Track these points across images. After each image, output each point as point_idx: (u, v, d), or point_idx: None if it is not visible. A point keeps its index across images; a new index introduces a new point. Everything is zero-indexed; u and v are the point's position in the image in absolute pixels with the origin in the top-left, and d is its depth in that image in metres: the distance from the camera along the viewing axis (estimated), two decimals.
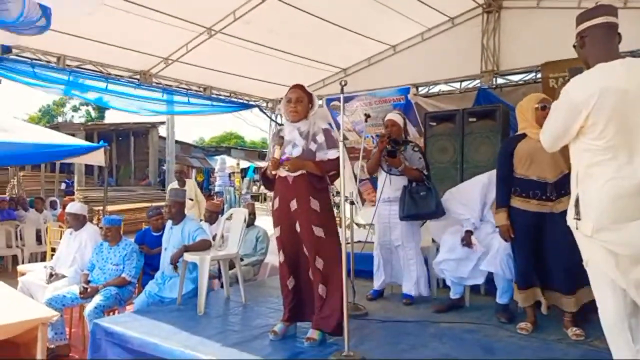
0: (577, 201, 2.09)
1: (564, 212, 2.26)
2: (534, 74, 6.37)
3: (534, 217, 3.10)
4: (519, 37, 6.39)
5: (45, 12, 3.60)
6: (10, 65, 5.78)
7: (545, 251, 3.11)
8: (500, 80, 6.73)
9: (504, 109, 5.62)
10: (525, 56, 6.28)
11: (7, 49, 5.48)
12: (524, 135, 3.18)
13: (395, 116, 4.14)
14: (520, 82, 6.58)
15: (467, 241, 3.60)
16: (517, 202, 3.16)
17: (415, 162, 3.96)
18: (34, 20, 3.63)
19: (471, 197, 3.80)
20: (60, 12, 3.60)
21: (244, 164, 23.14)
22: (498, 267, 3.40)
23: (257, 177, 24.13)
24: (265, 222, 7.35)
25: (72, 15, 4.05)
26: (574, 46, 2.25)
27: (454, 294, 3.77)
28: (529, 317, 3.24)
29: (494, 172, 3.68)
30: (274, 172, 3.06)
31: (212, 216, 5.64)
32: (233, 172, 19.89)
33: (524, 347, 2.93)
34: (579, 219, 2.07)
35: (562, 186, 2.94)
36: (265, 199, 19.43)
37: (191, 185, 7.64)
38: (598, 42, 2.13)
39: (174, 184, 7.36)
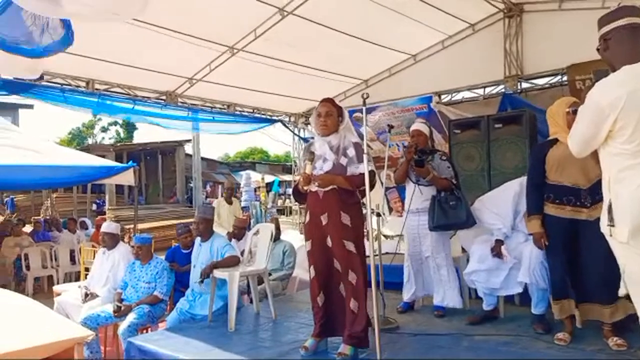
0: (609, 207, 2.03)
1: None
2: (559, 76, 6.26)
3: (568, 224, 3.02)
4: (542, 40, 6.30)
5: (67, 25, 3.72)
6: (41, 90, 6.02)
7: (582, 260, 3.00)
8: (525, 85, 6.64)
9: (530, 113, 5.53)
10: (549, 59, 6.19)
11: (39, 76, 5.69)
12: (555, 141, 3.10)
13: (421, 126, 4.09)
14: (546, 86, 6.48)
15: (497, 251, 3.52)
16: (550, 209, 3.09)
17: (444, 171, 3.90)
18: (57, 41, 3.76)
19: (502, 205, 3.70)
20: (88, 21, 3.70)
21: (269, 178, 23.33)
22: (532, 277, 3.31)
23: (282, 190, 24.30)
24: (291, 236, 7.39)
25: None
26: (598, 49, 2.21)
27: (487, 305, 3.68)
28: (567, 327, 3.13)
29: (519, 182, 3.66)
30: (305, 188, 3.08)
31: (240, 232, 5.68)
32: (258, 187, 20.05)
33: (563, 358, 2.83)
34: (613, 226, 2.01)
35: (597, 192, 2.84)
36: (290, 213, 19.50)
37: (237, 205, 7.51)
38: (622, 44, 2.08)
39: (220, 200, 7.22)
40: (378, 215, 3.40)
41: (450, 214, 3.73)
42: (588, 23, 3.05)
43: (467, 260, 3.92)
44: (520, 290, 3.49)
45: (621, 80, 2.00)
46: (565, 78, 6.08)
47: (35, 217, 13.28)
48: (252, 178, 20.04)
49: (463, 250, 4.20)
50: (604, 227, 2.08)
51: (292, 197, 22.65)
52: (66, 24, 3.67)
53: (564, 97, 3.27)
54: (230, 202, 7.08)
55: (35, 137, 8.40)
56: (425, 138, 4.01)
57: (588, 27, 2.81)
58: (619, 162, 2.00)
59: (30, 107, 20.36)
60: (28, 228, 9.96)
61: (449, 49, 7.06)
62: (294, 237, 7.27)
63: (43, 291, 7.89)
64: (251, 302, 4.47)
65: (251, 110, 8.45)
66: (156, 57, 6.25)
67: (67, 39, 3.76)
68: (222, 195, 7.42)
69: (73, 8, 3.09)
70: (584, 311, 3.07)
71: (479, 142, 5.72)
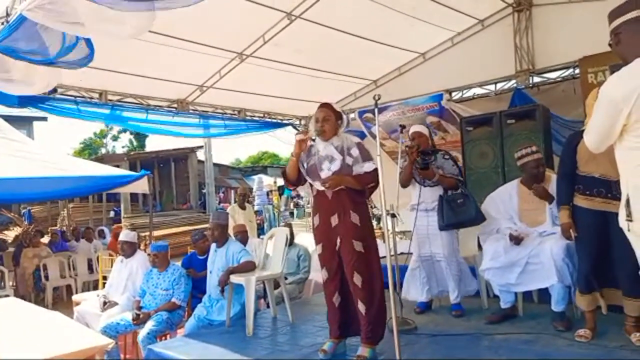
0: (627, 202, 2.00)
1: None
2: (571, 69, 6.18)
3: (599, 216, 2.96)
4: (553, 33, 6.23)
5: (88, 42, 3.79)
6: (55, 103, 6.11)
7: (613, 253, 2.92)
8: (536, 79, 6.56)
9: (544, 107, 5.47)
10: (561, 52, 6.11)
11: (53, 89, 5.77)
12: None
13: (419, 127, 4.12)
14: (558, 79, 6.40)
15: (514, 239, 3.48)
16: (580, 201, 3.05)
17: (449, 169, 3.91)
18: (77, 56, 3.82)
19: (498, 209, 3.73)
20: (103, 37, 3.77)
21: (281, 181, 23.33)
22: (554, 277, 3.25)
23: (294, 194, 24.31)
24: (305, 239, 7.39)
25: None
26: (610, 44, 2.18)
27: (504, 303, 3.64)
28: (588, 323, 3.09)
29: (509, 185, 3.79)
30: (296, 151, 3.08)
31: (243, 238, 5.56)
32: (271, 190, 20.09)
33: (585, 356, 2.80)
34: (631, 220, 1.99)
35: None
36: (303, 215, 19.47)
37: (251, 210, 7.68)
38: (633, 37, 2.05)
39: (235, 206, 7.39)
40: (393, 215, 3.39)
41: (459, 211, 3.73)
42: (599, 15, 3.00)
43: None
44: (541, 286, 3.44)
45: (634, 72, 1.97)
46: (577, 71, 6.00)
47: (53, 228, 13.49)
48: (264, 182, 20.09)
49: (480, 248, 4.16)
50: (622, 221, 2.06)
51: (297, 199, 22.72)
52: (88, 45, 3.74)
53: (596, 88, 3.21)
54: (243, 208, 7.17)
55: (50, 149, 8.53)
56: (425, 139, 4.02)
57: (599, 19, 2.77)
58: (636, 157, 1.97)
59: (44, 119, 20.69)
60: (46, 239, 10.11)
61: (459, 45, 7.01)
62: (309, 239, 7.27)
63: (62, 300, 8.01)
64: (267, 306, 4.49)
65: (262, 115, 8.48)
66: (167, 66, 6.30)
67: (90, 57, 3.84)
68: (235, 201, 7.48)
69: (93, 27, 3.16)
70: (608, 296, 3.02)
71: (492, 138, 5.66)
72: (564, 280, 3.27)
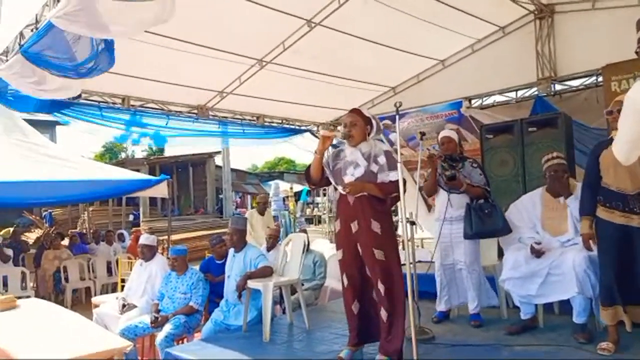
0: None
1: None
2: (594, 77, 6.09)
3: (619, 230, 2.92)
4: (575, 41, 6.15)
5: (111, 50, 3.87)
6: (79, 108, 6.24)
7: (635, 267, 2.88)
8: (558, 87, 6.48)
9: (566, 115, 5.39)
10: (583, 60, 6.04)
11: (78, 94, 5.90)
12: (612, 140, 3.01)
13: (449, 132, 4.07)
14: (581, 87, 6.31)
15: (535, 251, 3.42)
16: (601, 212, 3.01)
17: (476, 178, 3.85)
18: (99, 65, 3.91)
19: (521, 217, 3.68)
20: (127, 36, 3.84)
21: (297, 187, 23.39)
22: (575, 288, 3.19)
23: (310, 199, 24.31)
24: (321, 244, 7.38)
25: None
26: (636, 52, 2.15)
27: (524, 314, 3.57)
28: (611, 336, 3.01)
29: (532, 193, 3.74)
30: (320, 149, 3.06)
31: (274, 242, 5.65)
32: (287, 196, 20.13)
33: None
34: None
35: None
36: (319, 222, 19.47)
37: (270, 216, 7.59)
38: None
39: (253, 212, 7.35)
40: (412, 223, 3.37)
41: (487, 221, 3.67)
42: (623, 22, 2.96)
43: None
44: (562, 298, 3.37)
45: None
46: (600, 79, 5.91)
47: (73, 230, 13.71)
48: (281, 188, 20.14)
49: (500, 257, 4.11)
50: None
51: (313, 205, 22.68)
52: (110, 50, 3.81)
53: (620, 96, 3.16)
54: (262, 214, 7.12)
55: (72, 153, 8.70)
56: (455, 145, 3.97)
57: (623, 25, 2.73)
58: None
59: (67, 123, 21.07)
60: (66, 241, 10.28)
61: (479, 53, 6.97)
62: (324, 245, 7.28)
63: (81, 302, 8.12)
64: (284, 312, 4.48)
65: (280, 121, 8.53)
66: (188, 73, 6.39)
67: (110, 63, 3.91)
68: (252, 207, 7.52)
69: (117, 28, 3.22)
70: (632, 314, 2.95)
71: (512, 146, 5.59)
72: (585, 291, 3.20)
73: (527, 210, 3.67)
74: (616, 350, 2.94)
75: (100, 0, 3.22)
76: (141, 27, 3.60)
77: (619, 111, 2.80)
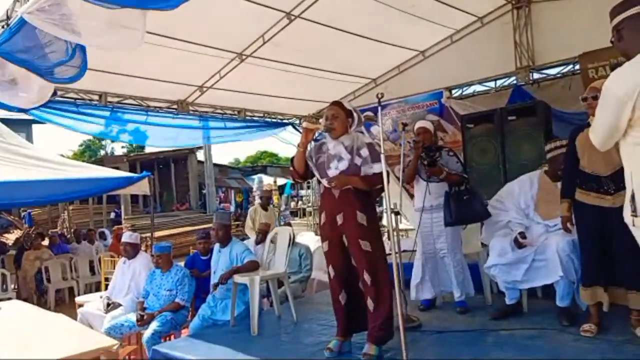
0: (632, 197, 2.01)
1: None
2: (571, 65, 6.19)
3: (594, 211, 3.00)
4: (552, 29, 6.23)
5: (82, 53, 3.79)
6: (56, 106, 6.09)
7: (613, 247, 2.95)
8: (536, 75, 6.56)
9: (544, 103, 5.48)
10: (561, 48, 6.11)
11: (53, 92, 5.76)
12: (588, 125, 3.05)
13: (425, 123, 4.13)
14: (559, 75, 6.40)
15: (518, 243, 3.50)
16: (579, 195, 3.10)
17: (453, 166, 3.92)
18: (70, 73, 3.83)
19: (513, 199, 3.74)
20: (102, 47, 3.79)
21: (281, 181, 23.38)
22: (558, 272, 3.26)
23: (294, 192, 24.33)
24: (307, 237, 7.39)
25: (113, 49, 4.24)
26: (611, 41, 2.19)
27: (509, 300, 3.65)
28: (593, 318, 3.10)
29: (532, 173, 3.78)
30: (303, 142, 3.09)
31: (263, 237, 5.58)
32: (271, 190, 20.07)
33: (591, 351, 2.80)
34: (636, 216, 1.99)
35: (620, 179, 2.81)
36: (304, 214, 19.50)
37: (273, 211, 7.34)
38: (635, 33, 2.07)
39: (256, 207, 7.15)
40: (397, 213, 3.39)
41: (466, 207, 3.74)
42: (598, 10, 3.01)
43: (487, 255, 3.90)
44: (547, 282, 3.44)
45: (636, 68, 1.98)
46: (577, 67, 6.01)
47: (53, 230, 13.49)
48: (264, 182, 20.10)
49: (483, 245, 4.17)
50: (627, 217, 2.07)
51: (297, 198, 22.69)
52: (82, 53, 3.74)
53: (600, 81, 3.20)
54: (266, 209, 6.95)
55: (50, 152, 8.53)
56: (430, 135, 4.03)
57: (598, 14, 2.77)
58: None
59: (43, 122, 20.64)
60: (46, 241, 10.11)
61: (458, 43, 7.00)
62: (310, 238, 7.28)
63: (64, 303, 8.02)
64: (271, 305, 4.49)
65: (262, 115, 8.46)
66: (167, 67, 6.29)
67: (80, 74, 3.84)
68: (235, 201, 7.38)
69: (89, 32, 3.16)
70: (612, 295, 3.03)
71: (493, 135, 5.68)
72: (568, 275, 3.29)
73: (523, 189, 3.71)
74: (598, 331, 3.02)
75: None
76: (111, 40, 3.53)
77: (593, 98, 2.87)
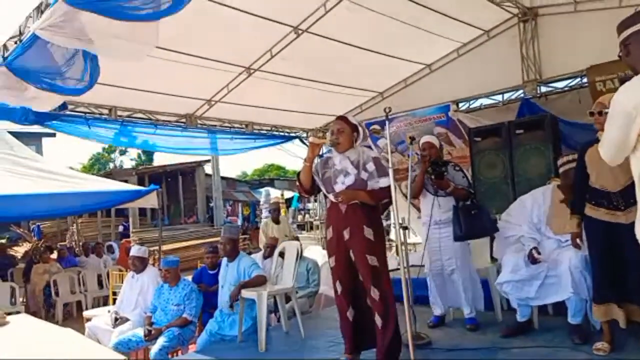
0: None
1: None
2: (579, 79, 6.17)
3: (606, 227, 2.96)
4: (559, 43, 6.24)
5: (95, 71, 3.84)
6: (66, 119, 6.16)
7: (625, 263, 2.90)
8: (544, 89, 6.55)
9: (552, 117, 5.45)
10: (568, 62, 6.12)
11: (64, 106, 5.84)
12: (597, 141, 3.04)
13: (431, 138, 4.12)
14: (566, 89, 6.39)
15: (532, 258, 3.45)
16: (589, 210, 3.06)
17: (459, 180, 3.90)
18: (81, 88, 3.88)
19: (525, 215, 3.69)
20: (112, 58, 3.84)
21: (288, 194, 23.39)
22: (569, 289, 3.21)
23: (301, 206, 24.30)
24: (314, 251, 7.34)
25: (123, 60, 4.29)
26: (619, 56, 2.17)
27: (521, 317, 3.58)
28: (606, 336, 3.04)
29: (544, 187, 3.74)
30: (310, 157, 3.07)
31: (272, 250, 5.54)
32: (279, 203, 20.03)
33: None
34: None
35: (630, 195, 2.78)
36: (311, 228, 19.43)
37: (286, 223, 6.98)
38: None
39: (268, 221, 6.87)
40: (405, 228, 3.37)
41: (475, 222, 3.70)
42: (606, 23, 3.01)
43: (497, 271, 3.86)
44: (559, 299, 3.39)
45: None
46: (585, 80, 6.00)
47: (61, 243, 13.54)
48: (272, 195, 20.10)
49: (492, 260, 4.13)
50: (638, 233, 2.04)
51: (304, 212, 22.66)
52: (92, 74, 3.79)
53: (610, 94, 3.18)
54: (277, 222, 6.61)
55: (60, 165, 8.60)
56: (436, 150, 4.02)
57: (606, 27, 2.77)
58: None
59: (53, 135, 20.85)
60: (55, 254, 10.14)
61: (465, 56, 7.03)
62: (317, 252, 7.25)
63: (72, 316, 8.00)
64: (278, 321, 4.46)
65: (269, 128, 8.52)
66: (176, 82, 6.37)
67: (90, 85, 3.88)
68: (242, 215, 7.30)
69: (103, 43, 3.21)
70: (627, 312, 2.96)
71: (501, 149, 5.65)
72: (580, 292, 3.23)
73: (535, 202, 3.66)
74: (612, 349, 2.96)
75: (84, 12, 3.20)
76: (125, 51, 3.59)
77: (600, 113, 2.85)
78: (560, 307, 3.53)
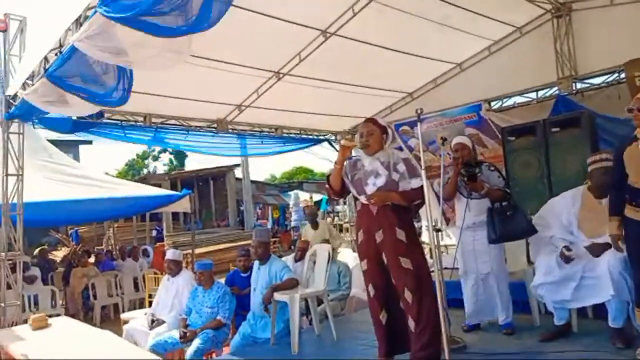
0: None
1: None
2: (617, 74, 5.96)
3: None
4: (595, 38, 6.04)
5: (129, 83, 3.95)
6: (103, 127, 6.38)
7: None
8: (579, 85, 6.36)
9: (590, 114, 5.29)
10: (605, 57, 5.91)
11: (100, 114, 6.03)
12: (636, 138, 2.92)
13: (462, 139, 4.02)
14: (603, 85, 6.18)
15: (564, 257, 3.34)
16: (628, 211, 2.94)
17: (494, 181, 3.80)
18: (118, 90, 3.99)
19: (555, 216, 3.59)
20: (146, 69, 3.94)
21: (317, 196, 23.42)
22: (610, 291, 3.10)
23: (330, 208, 24.29)
24: (344, 254, 7.32)
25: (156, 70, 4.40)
26: None
27: (558, 320, 3.48)
28: None
29: (575, 189, 3.60)
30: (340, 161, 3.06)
31: (302, 254, 5.53)
32: (307, 206, 20.08)
33: None
34: None
35: None
36: (341, 230, 19.38)
37: (324, 227, 6.78)
38: None
39: (306, 227, 6.71)
40: (438, 230, 3.32)
41: (510, 223, 3.60)
42: None
43: (534, 274, 3.76)
44: (597, 301, 3.27)
45: None
46: (622, 75, 5.79)
47: (99, 247, 13.94)
48: (301, 197, 20.19)
49: (529, 262, 4.02)
50: None
51: (333, 214, 22.65)
52: (124, 88, 3.90)
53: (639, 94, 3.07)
54: (316, 227, 6.49)
55: (96, 171, 8.87)
56: (469, 151, 3.91)
57: None
58: None
59: (89, 142, 21.54)
60: (92, 258, 10.45)
61: (496, 54, 6.88)
62: (348, 255, 7.23)
63: (109, 319, 8.22)
64: (310, 323, 4.47)
65: (298, 132, 8.57)
66: (207, 88, 6.47)
67: (125, 97, 4.00)
68: (272, 218, 7.32)
69: (137, 56, 3.29)
70: None
71: (535, 147, 5.50)
72: (621, 294, 3.11)
73: (565, 206, 3.56)
74: None
75: (119, 26, 3.29)
76: (158, 62, 3.67)
77: (639, 109, 2.74)
78: (600, 310, 3.41)
